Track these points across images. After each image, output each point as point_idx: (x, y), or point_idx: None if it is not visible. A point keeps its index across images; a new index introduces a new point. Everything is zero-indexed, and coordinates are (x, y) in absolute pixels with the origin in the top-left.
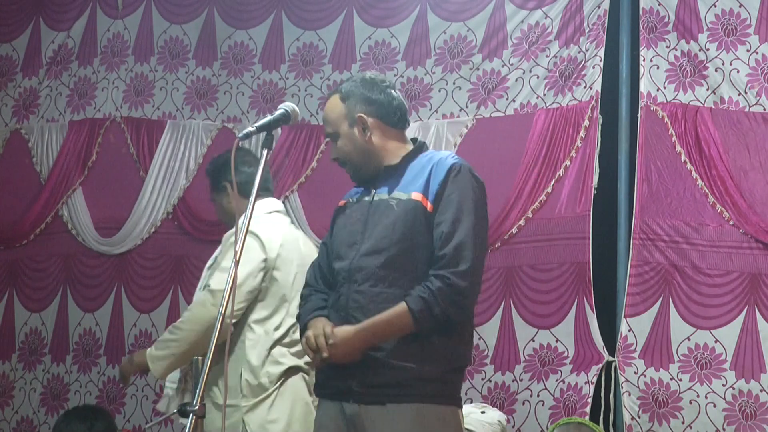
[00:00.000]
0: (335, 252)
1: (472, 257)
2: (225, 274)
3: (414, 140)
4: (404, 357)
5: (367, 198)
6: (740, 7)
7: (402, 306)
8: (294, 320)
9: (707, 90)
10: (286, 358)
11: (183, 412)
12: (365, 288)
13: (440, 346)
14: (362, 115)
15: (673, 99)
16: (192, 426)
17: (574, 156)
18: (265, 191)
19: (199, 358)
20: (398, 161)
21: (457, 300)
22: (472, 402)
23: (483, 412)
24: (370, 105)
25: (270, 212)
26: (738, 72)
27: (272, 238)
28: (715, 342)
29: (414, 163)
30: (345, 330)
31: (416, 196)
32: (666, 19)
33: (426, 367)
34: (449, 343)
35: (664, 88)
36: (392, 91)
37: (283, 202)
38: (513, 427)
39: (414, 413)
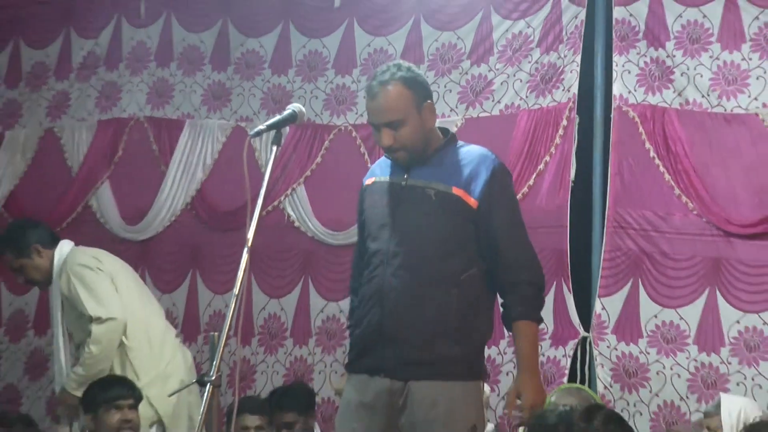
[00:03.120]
0: (368, 231)
1: (535, 255)
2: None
3: (441, 129)
4: (432, 337)
5: (398, 180)
6: (704, 17)
7: (528, 326)
8: None
9: (674, 93)
10: None
11: (201, 382)
12: (401, 273)
13: (469, 330)
14: (430, 101)
15: (643, 101)
16: (209, 395)
17: (553, 152)
18: (43, 242)
19: (216, 333)
20: (434, 148)
21: (542, 294)
22: None
23: None
24: (428, 91)
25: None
26: (701, 76)
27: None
28: (680, 319)
29: (449, 155)
30: (527, 384)
31: (457, 191)
32: (636, 29)
33: (455, 348)
34: (476, 326)
35: (635, 90)
36: None
37: (290, 194)
38: (497, 395)
39: (438, 389)
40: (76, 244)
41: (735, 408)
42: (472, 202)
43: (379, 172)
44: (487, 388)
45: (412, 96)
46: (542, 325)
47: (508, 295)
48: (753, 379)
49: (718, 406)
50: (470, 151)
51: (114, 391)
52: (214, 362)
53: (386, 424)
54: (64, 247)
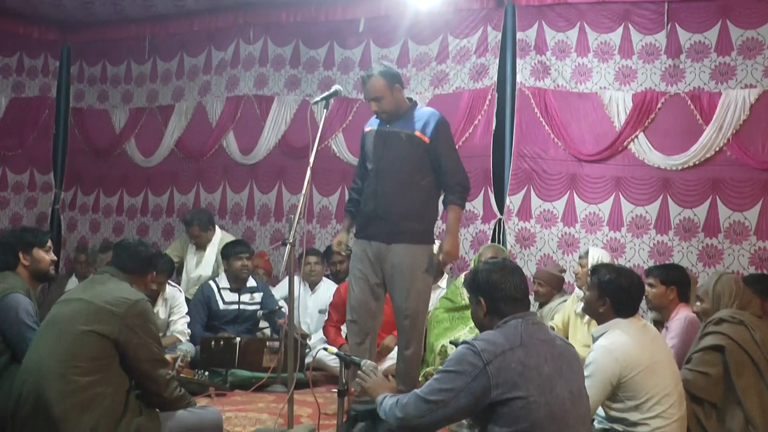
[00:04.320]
0: (368, 158)
1: (463, 169)
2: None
3: (409, 99)
4: (403, 218)
5: (383, 128)
6: (567, 38)
7: (455, 208)
8: None
9: (551, 80)
10: None
11: (284, 243)
12: (386, 180)
13: (425, 214)
14: (398, 85)
15: (533, 85)
16: (289, 250)
17: (483, 114)
18: (213, 226)
19: (292, 216)
20: (404, 110)
21: (467, 191)
22: None
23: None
24: (397, 78)
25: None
26: (566, 71)
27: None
28: (554, 208)
29: (413, 113)
30: (446, 241)
31: (417, 134)
32: (531, 44)
33: (417, 225)
34: (429, 212)
35: (529, 79)
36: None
37: (334, 138)
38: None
39: (407, 248)
40: (213, 169)
41: (596, 255)
42: (426, 139)
43: (373, 124)
44: (435, 247)
45: (386, 82)
46: (476, 210)
47: (445, 191)
48: (592, 242)
49: (587, 253)
50: (425, 111)
51: (238, 248)
52: (292, 232)
53: (377, 266)
54: (218, 238)
